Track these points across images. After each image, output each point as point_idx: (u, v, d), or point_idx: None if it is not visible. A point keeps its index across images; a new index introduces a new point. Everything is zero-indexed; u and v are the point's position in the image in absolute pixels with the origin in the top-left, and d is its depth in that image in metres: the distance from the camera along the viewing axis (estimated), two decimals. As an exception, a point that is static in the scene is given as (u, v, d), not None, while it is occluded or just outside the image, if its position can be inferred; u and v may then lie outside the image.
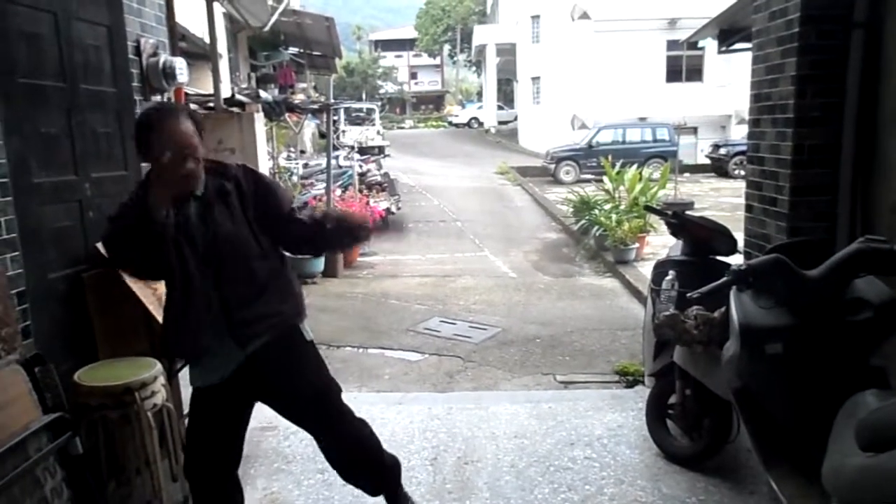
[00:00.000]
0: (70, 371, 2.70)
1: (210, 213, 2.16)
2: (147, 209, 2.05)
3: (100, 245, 2.25)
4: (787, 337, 2.33)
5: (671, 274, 3.22)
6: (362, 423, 2.52)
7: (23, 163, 2.65)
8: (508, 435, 3.49)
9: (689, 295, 2.42)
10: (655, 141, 18.68)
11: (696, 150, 20.61)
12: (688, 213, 3.83)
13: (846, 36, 3.13)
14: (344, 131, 21.57)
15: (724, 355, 2.57)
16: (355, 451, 2.48)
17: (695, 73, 22.26)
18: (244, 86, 9.99)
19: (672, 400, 3.23)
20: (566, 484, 3.02)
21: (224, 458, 2.35)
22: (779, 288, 2.35)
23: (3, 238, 2.49)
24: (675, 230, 3.45)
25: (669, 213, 3.44)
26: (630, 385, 4.32)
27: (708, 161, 19.36)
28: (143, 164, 2.38)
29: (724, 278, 2.37)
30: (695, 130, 20.58)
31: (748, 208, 3.73)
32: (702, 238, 3.32)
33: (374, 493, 2.60)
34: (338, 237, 2.42)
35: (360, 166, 13.05)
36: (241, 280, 2.20)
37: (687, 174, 17.51)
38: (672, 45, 21.19)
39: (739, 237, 3.52)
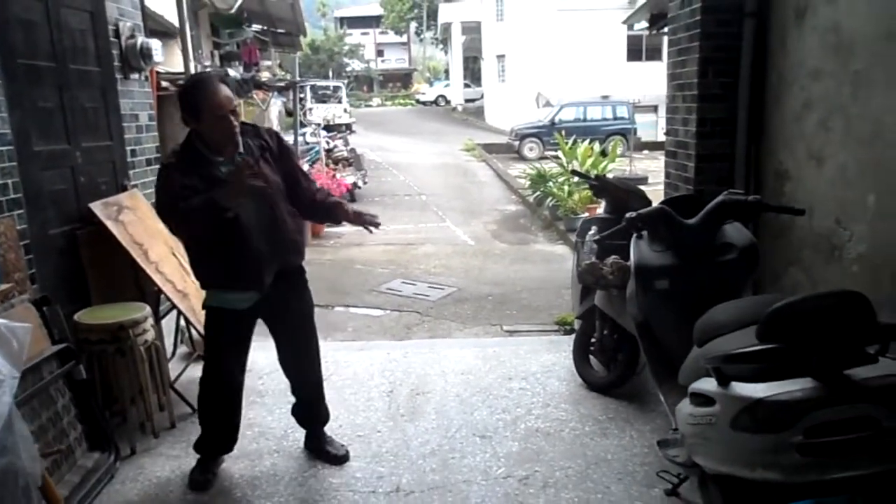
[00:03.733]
0: (69, 314, 3.11)
1: (257, 167, 2.58)
2: (218, 201, 2.47)
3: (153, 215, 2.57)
4: (672, 274, 2.82)
5: (593, 229, 3.73)
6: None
7: (24, 133, 3.04)
8: (456, 372, 4.01)
9: (594, 239, 2.92)
10: (615, 118, 19.31)
11: (657, 127, 21.16)
12: (609, 176, 4.34)
13: (740, 24, 3.65)
14: (311, 109, 21.71)
15: (627, 293, 3.10)
16: (315, 371, 3.05)
17: (655, 52, 22.65)
18: (207, 63, 10.17)
19: (593, 338, 3.77)
20: (501, 407, 3.55)
21: (242, 366, 2.92)
22: (663, 233, 2.87)
23: (11, 197, 2.89)
24: (596, 192, 3.97)
25: (592, 176, 3.96)
26: (567, 333, 4.86)
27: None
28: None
29: (621, 224, 2.88)
30: (655, 109, 21.15)
31: (667, 175, 4.25)
32: (620, 198, 3.81)
33: (315, 419, 3.15)
34: (336, 217, 3.01)
35: (327, 143, 13.37)
36: (286, 221, 2.75)
37: (646, 151, 18.17)
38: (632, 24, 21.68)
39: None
